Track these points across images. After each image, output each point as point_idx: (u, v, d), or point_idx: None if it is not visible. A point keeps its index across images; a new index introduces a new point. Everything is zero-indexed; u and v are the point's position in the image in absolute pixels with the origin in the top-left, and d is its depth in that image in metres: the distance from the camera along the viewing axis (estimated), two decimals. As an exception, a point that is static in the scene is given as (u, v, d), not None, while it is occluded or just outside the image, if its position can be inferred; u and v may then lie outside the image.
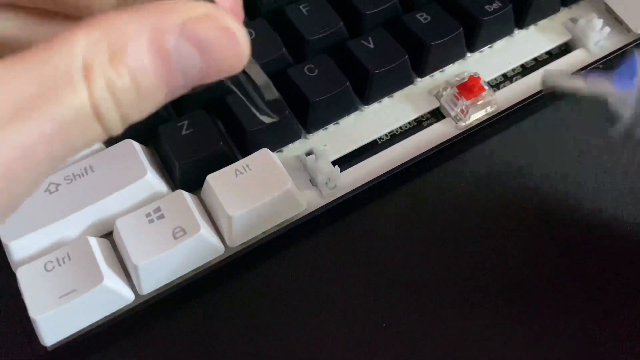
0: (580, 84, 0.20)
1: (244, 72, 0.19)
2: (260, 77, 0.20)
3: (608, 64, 0.29)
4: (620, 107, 0.20)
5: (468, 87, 0.27)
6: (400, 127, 0.28)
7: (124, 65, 0.14)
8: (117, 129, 0.15)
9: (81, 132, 0.14)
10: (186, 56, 0.15)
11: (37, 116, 0.13)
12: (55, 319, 0.21)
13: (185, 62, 0.15)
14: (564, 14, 0.31)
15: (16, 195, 0.14)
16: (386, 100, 0.28)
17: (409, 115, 0.28)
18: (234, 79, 0.19)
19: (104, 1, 0.18)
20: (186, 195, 0.24)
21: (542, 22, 0.31)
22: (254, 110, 0.21)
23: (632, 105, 0.19)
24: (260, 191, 0.23)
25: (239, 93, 0.20)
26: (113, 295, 0.22)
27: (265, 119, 0.21)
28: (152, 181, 0.24)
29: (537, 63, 0.30)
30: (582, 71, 0.27)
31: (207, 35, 0.15)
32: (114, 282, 0.22)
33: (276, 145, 0.26)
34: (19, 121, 0.13)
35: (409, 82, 0.28)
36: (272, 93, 0.20)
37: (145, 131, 0.25)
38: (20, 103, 0.13)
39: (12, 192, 0.14)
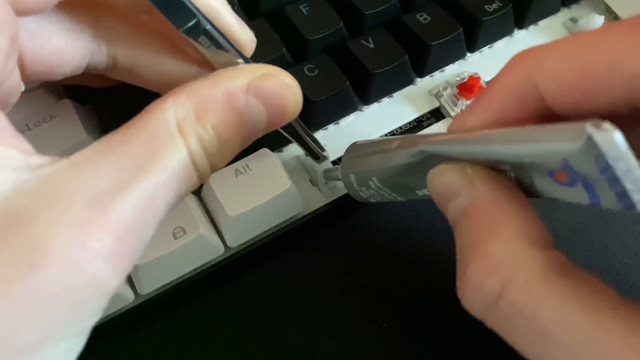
0: (336, 174, 0.24)
1: (295, 119, 0.22)
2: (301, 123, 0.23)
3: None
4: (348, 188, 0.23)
5: (468, 87, 0.27)
6: (400, 127, 0.28)
7: (208, 122, 0.17)
8: (207, 176, 0.17)
9: (186, 179, 0.16)
10: (254, 109, 0.18)
11: (153, 169, 0.15)
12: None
13: (254, 115, 0.18)
14: (564, 14, 0.31)
15: (143, 239, 0.16)
16: (386, 100, 0.28)
17: (409, 115, 0.28)
18: (287, 126, 0.22)
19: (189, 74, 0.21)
20: (186, 195, 0.24)
21: (542, 22, 0.31)
22: (305, 151, 0.24)
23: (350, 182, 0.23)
24: (260, 191, 0.23)
25: (291, 138, 0.23)
26: (114, 295, 0.22)
27: (316, 159, 0.24)
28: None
29: (537, 63, 0.30)
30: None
31: (269, 90, 0.18)
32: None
33: (277, 145, 0.26)
34: (141, 175, 0.15)
35: (409, 82, 0.29)
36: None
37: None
38: (138, 161, 0.15)
39: (141, 235, 0.15)
